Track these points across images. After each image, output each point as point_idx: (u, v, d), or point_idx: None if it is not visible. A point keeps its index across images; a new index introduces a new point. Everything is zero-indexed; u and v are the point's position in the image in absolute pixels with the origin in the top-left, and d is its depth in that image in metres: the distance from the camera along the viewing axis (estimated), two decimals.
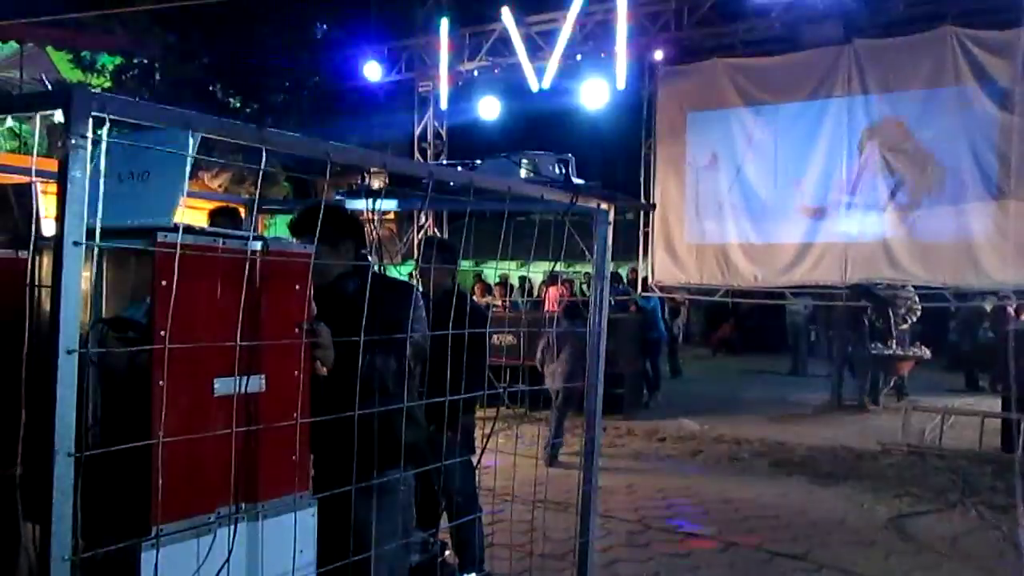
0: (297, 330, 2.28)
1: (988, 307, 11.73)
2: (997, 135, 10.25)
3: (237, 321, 2.03)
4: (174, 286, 1.86)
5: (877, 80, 11.11)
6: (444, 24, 13.67)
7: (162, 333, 1.88)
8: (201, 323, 2.01)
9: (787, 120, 11.86)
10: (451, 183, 3.01)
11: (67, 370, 1.52)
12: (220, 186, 12.64)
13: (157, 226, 1.98)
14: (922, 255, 10.91)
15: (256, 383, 2.17)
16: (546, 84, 12.69)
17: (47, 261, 2.03)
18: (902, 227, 11.00)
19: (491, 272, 17.04)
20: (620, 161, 14.09)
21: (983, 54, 10.36)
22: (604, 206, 3.48)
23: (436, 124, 15.08)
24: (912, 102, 10.92)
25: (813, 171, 11.65)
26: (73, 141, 1.52)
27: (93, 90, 1.64)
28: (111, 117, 1.62)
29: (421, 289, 3.87)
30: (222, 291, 2.07)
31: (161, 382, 1.90)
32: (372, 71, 14.33)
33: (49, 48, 13.66)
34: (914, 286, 10.91)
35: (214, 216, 4.82)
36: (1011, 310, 10.92)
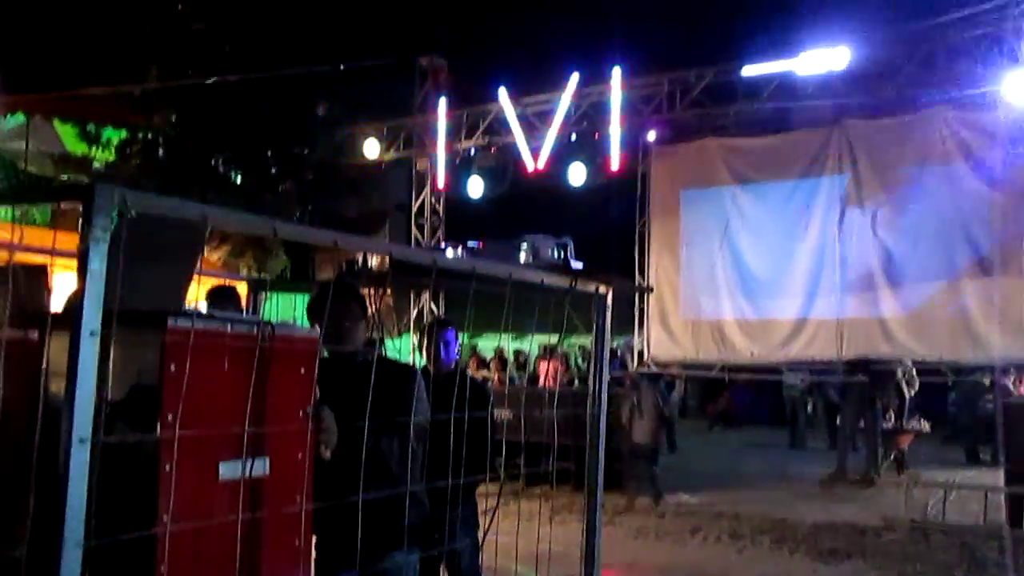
0: (302, 414, 2.30)
1: (987, 381, 11.73)
2: (986, 212, 10.42)
3: (243, 404, 2.06)
4: (186, 372, 1.89)
5: (867, 159, 11.33)
6: (442, 103, 13.97)
7: (170, 418, 1.90)
8: (207, 407, 2.03)
9: (779, 198, 12.04)
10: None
11: (79, 459, 1.53)
12: (219, 259, 12.72)
13: (168, 311, 2.02)
14: (917, 330, 10.96)
15: (260, 467, 2.18)
16: (541, 163, 12.90)
17: (57, 343, 2.06)
18: (896, 302, 11.07)
19: (486, 345, 17.06)
20: (615, 237, 14.27)
21: (970, 134, 10.62)
22: (603, 289, 3.54)
23: (433, 200, 15.27)
24: (902, 180, 11.11)
25: (806, 247, 11.78)
26: (94, 234, 1.57)
27: (111, 180, 1.70)
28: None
29: (424, 364, 3.91)
30: (229, 375, 2.10)
31: (168, 467, 1.91)
32: (371, 148, 14.58)
33: (56, 121, 13.93)
34: (912, 360, 10.94)
35: (213, 295, 4.85)
36: (1009, 383, 10.95)
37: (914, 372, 10.96)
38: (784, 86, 11.25)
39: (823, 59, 10.74)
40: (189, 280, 2.16)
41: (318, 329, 3.01)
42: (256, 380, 2.10)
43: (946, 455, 12.72)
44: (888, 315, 11.10)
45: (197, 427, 1.97)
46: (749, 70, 11.47)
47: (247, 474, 2.10)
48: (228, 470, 2.09)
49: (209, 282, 5.85)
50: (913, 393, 11.10)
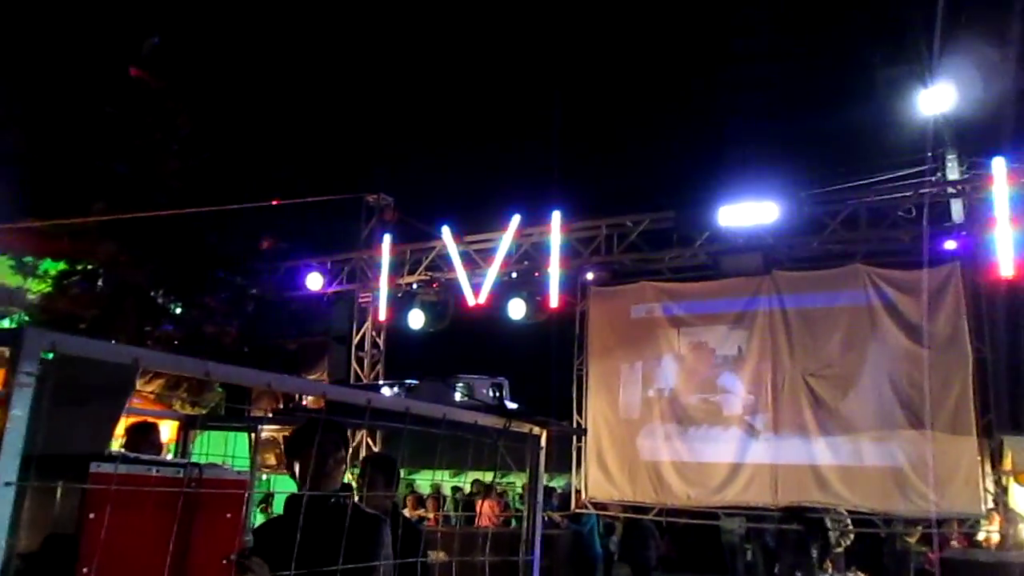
0: (225, 562, 2.22)
1: (916, 534, 11.78)
2: (912, 367, 10.75)
3: (164, 551, 1.99)
4: (105, 520, 1.82)
5: (797, 309, 11.70)
6: (387, 239, 14.20)
7: (85, 571, 1.82)
8: (128, 556, 1.96)
9: (714, 343, 12.31)
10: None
11: None
12: (152, 392, 12.37)
13: (90, 455, 1.96)
14: (850, 479, 11.04)
15: None
16: (482, 299, 13.06)
17: None
18: (828, 451, 11.19)
19: (424, 482, 16.67)
20: (554, 376, 14.33)
21: (893, 291, 11.10)
22: (537, 430, 3.56)
23: (374, 334, 15.26)
24: (831, 331, 11.47)
25: (739, 394, 11.97)
26: (19, 380, 1.54)
27: (43, 330, 1.69)
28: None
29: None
30: (152, 521, 2.03)
31: None
32: (314, 282, 14.64)
33: None
34: (847, 510, 10.99)
35: (131, 433, 4.67)
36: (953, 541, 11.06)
37: (849, 521, 10.99)
38: (716, 235, 11.76)
39: (753, 212, 11.32)
40: (116, 421, 2.12)
41: (297, 467, 2.94)
42: (180, 525, 2.04)
43: None
44: (821, 463, 11.19)
45: None
46: (684, 220, 11.99)
47: None
48: None
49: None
50: (848, 543, 11.10)
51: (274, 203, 13.12)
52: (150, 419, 4.76)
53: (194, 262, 13.66)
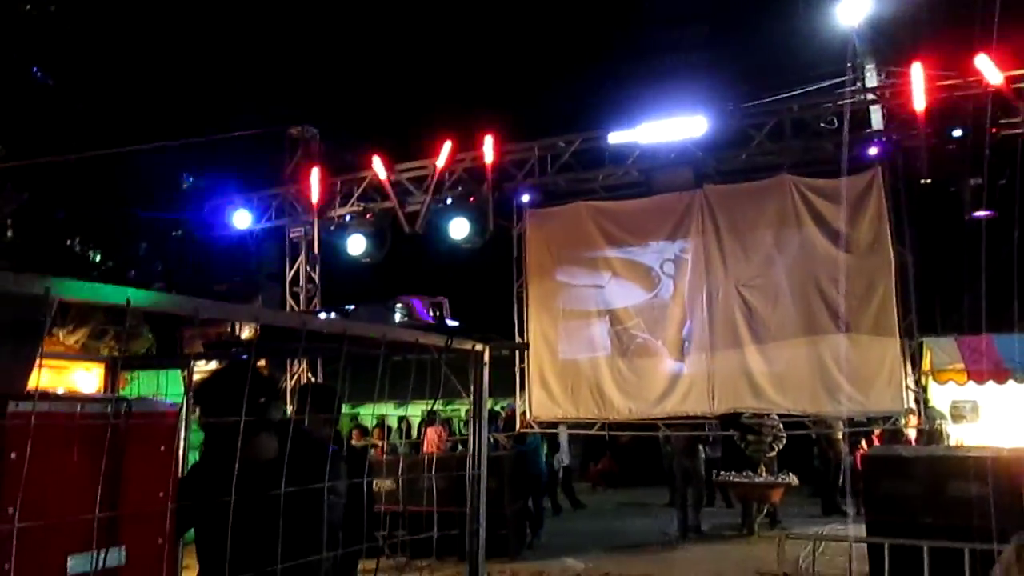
0: (162, 495, 2.17)
1: (839, 434, 12.33)
2: (837, 272, 11.08)
3: (95, 489, 1.92)
4: (26, 459, 1.75)
5: (728, 221, 11.90)
6: (315, 172, 13.84)
7: (10, 511, 1.75)
8: (55, 495, 1.89)
9: (650, 259, 12.47)
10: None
11: None
12: (77, 342, 12.00)
13: (7, 394, 1.88)
14: (781, 385, 11.43)
15: (115, 557, 2.03)
16: (418, 227, 12.95)
17: None
18: (761, 358, 11.53)
19: (368, 414, 16.71)
20: (495, 299, 14.36)
21: (817, 199, 11.36)
22: (479, 347, 3.53)
23: (308, 268, 14.99)
24: (760, 241, 11.72)
25: (676, 306, 12.19)
26: None
27: None
28: None
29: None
30: (79, 458, 1.96)
31: (7, 565, 1.76)
32: (242, 219, 14.25)
33: None
34: (778, 414, 11.41)
35: None
36: (873, 438, 11.61)
37: (780, 426, 11.44)
38: (647, 152, 11.79)
39: (682, 127, 11.37)
40: (33, 359, 2.02)
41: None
42: (110, 462, 1.98)
43: (810, 509, 13.21)
44: (755, 370, 11.55)
45: (43, 519, 1.82)
46: (614, 137, 11.99)
47: (100, 566, 1.96)
48: (79, 564, 1.94)
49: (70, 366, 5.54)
50: (781, 447, 11.58)
51: (192, 140, 12.64)
52: None
53: (110, 206, 13.14)
